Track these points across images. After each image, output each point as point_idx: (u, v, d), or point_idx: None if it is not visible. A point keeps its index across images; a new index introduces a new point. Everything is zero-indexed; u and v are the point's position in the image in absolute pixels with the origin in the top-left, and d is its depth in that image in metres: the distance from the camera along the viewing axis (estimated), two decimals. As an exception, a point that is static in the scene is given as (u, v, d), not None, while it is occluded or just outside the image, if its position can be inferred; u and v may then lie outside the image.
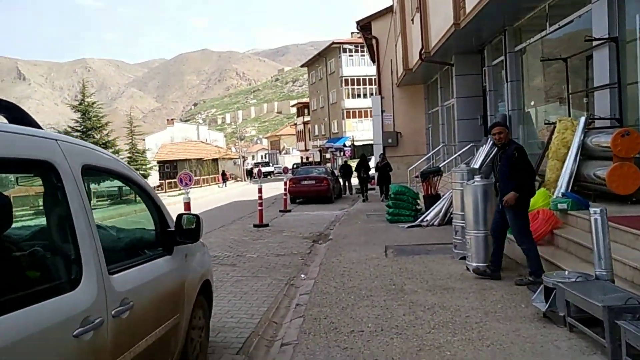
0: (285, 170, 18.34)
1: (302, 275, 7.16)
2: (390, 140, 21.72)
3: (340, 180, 21.61)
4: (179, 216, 3.32)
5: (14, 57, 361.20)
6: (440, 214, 10.35)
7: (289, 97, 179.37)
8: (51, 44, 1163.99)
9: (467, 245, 6.24)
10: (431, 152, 18.12)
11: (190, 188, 8.85)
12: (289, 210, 16.16)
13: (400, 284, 5.78)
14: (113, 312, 2.27)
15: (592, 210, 4.03)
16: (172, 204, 23.35)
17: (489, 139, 11.23)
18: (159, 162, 52.92)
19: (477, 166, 10.49)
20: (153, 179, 57.12)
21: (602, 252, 3.98)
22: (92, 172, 2.61)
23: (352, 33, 51.02)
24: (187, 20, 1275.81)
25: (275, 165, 63.62)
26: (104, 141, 27.51)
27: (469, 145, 12.34)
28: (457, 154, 12.61)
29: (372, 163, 21.13)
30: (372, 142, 25.02)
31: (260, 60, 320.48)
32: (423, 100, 21.61)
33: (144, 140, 70.20)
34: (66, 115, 27.55)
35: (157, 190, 41.40)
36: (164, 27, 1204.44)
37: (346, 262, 7.29)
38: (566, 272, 4.18)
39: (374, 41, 21.49)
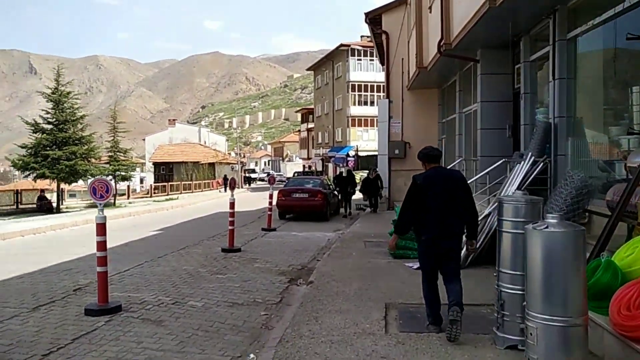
0: (272, 180, 15.49)
1: (251, 356, 4.52)
2: (397, 152, 18.96)
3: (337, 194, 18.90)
4: None
5: (26, 51, 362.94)
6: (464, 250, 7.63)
7: (297, 104, 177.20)
8: (64, 39, 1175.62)
9: (528, 337, 3.55)
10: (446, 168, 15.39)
11: (105, 201, 6.15)
12: (274, 229, 13.48)
13: (409, 415, 3.11)
14: None
15: None
16: (148, 211, 20.51)
17: (529, 155, 8.59)
18: (154, 163, 50.67)
19: (513, 189, 7.87)
20: (148, 181, 54.85)
21: None
22: None
23: (361, 36, 48.51)
24: (200, 22, 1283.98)
25: (277, 173, 61.15)
26: (77, 136, 24.81)
27: (501, 161, 9.64)
28: (484, 172, 9.92)
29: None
30: (376, 152, 22.33)
31: (270, 66, 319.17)
32: (437, 107, 18.91)
33: (143, 140, 68.05)
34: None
35: (143, 195, 38.92)
36: (177, 28, 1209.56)
37: (321, 341, 4.60)
38: None
39: (383, 37, 18.80)
